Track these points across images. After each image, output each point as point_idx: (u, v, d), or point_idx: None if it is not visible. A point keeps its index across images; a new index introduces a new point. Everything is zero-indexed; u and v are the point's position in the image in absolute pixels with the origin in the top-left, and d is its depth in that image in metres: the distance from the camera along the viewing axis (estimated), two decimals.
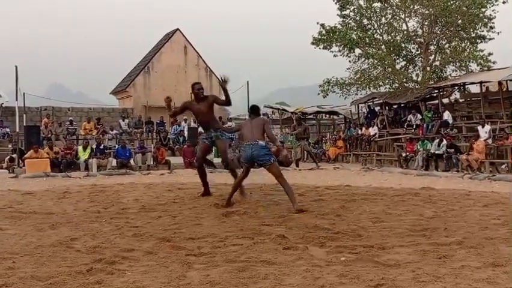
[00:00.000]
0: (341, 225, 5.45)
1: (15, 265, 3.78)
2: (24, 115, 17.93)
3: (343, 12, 21.59)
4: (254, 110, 7.40)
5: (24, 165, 14.44)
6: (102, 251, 4.27)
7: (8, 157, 15.69)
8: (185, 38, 26.49)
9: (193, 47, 26.52)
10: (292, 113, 24.60)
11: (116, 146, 17.35)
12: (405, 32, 21.16)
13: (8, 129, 19.49)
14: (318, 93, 22.30)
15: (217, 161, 13.10)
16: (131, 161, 16.07)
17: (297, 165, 15.78)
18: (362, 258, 3.98)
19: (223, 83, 7.47)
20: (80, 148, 15.94)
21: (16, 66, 16.90)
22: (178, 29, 26.72)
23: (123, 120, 22.42)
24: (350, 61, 22.05)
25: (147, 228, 5.36)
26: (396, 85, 20.76)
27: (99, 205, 7.21)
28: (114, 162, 15.93)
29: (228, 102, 7.80)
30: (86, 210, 6.67)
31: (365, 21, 21.68)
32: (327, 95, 22.54)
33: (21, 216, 6.17)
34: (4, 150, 17.23)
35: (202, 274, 3.53)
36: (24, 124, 17.65)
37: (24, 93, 18.24)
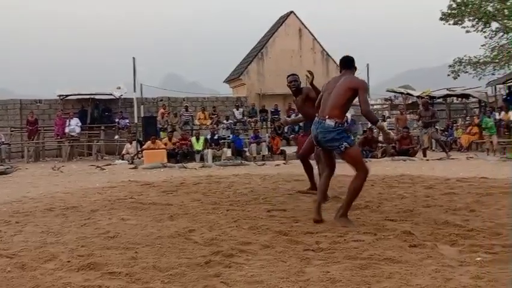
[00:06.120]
0: (475, 221, 5.18)
1: (138, 255, 4.08)
2: (142, 106, 19.16)
3: None
4: (344, 63, 5.48)
5: (142, 156, 15.51)
6: (219, 243, 4.46)
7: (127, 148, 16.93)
8: (300, 20, 26.50)
9: (308, 30, 26.46)
10: (418, 97, 23.69)
11: (231, 136, 18.09)
12: None
13: (127, 121, 20.93)
14: (448, 75, 21.30)
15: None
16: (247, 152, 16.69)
17: (424, 155, 15.27)
18: (501, 259, 3.75)
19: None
20: (193, 139, 16.75)
21: (134, 58, 18.10)
22: (292, 12, 26.82)
23: (237, 109, 23.08)
24: (485, 37, 20.76)
25: (263, 221, 5.50)
26: None
27: (215, 196, 7.52)
28: (229, 152, 16.54)
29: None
30: (203, 202, 6.99)
31: None
32: (458, 76, 21.46)
33: (141, 207, 6.61)
34: (125, 141, 18.55)
35: (322, 270, 3.55)
36: (142, 115, 18.88)
37: (141, 84, 19.45)
